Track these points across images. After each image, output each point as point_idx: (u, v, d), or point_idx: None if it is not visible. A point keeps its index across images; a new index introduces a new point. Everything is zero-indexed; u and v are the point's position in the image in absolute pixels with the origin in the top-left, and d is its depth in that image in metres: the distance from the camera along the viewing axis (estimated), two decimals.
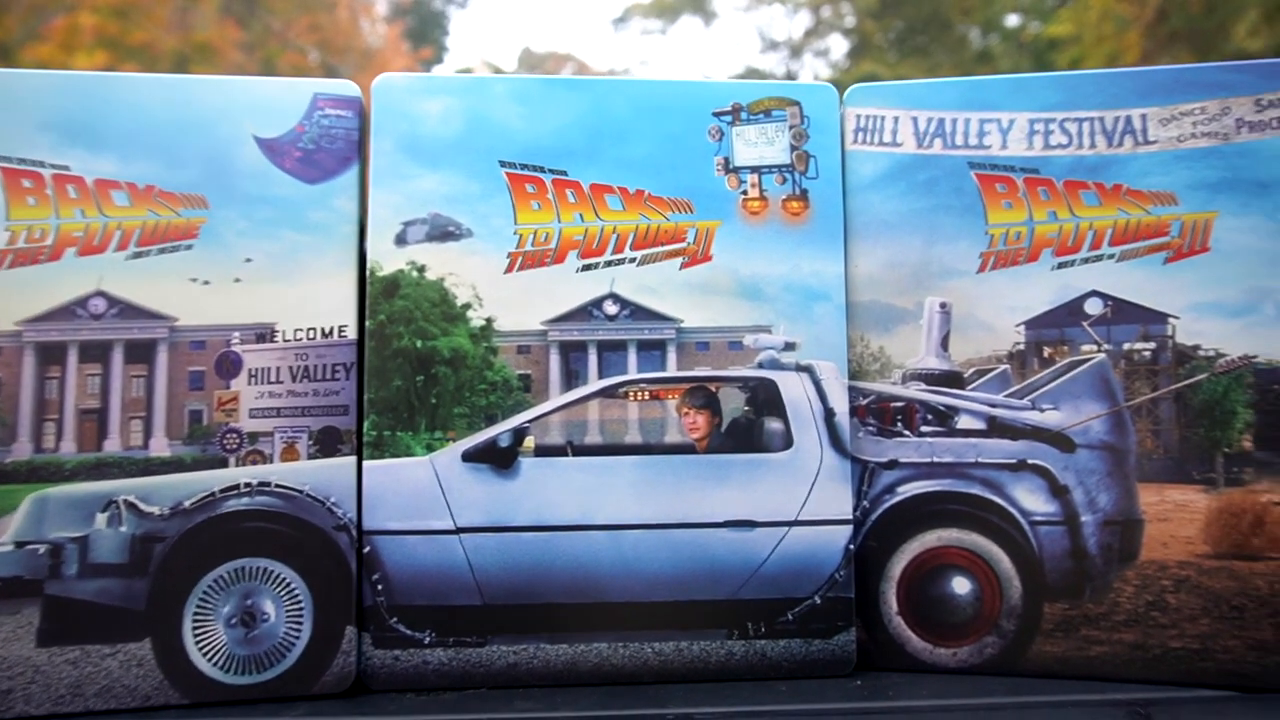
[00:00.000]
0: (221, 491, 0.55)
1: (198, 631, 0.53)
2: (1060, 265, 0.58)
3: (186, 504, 0.54)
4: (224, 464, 0.55)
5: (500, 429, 0.57)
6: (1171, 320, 0.57)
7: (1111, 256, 0.58)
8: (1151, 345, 0.58)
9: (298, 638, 0.54)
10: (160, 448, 0.55)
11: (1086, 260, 0.58)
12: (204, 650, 0.53)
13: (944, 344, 0.59)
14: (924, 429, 0.59)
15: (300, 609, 0.54)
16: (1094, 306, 0.58)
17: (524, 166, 0.58)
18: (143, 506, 0.54)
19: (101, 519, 0.53)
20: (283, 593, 0.54)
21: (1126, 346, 0.58)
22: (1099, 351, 0.58)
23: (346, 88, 0.59)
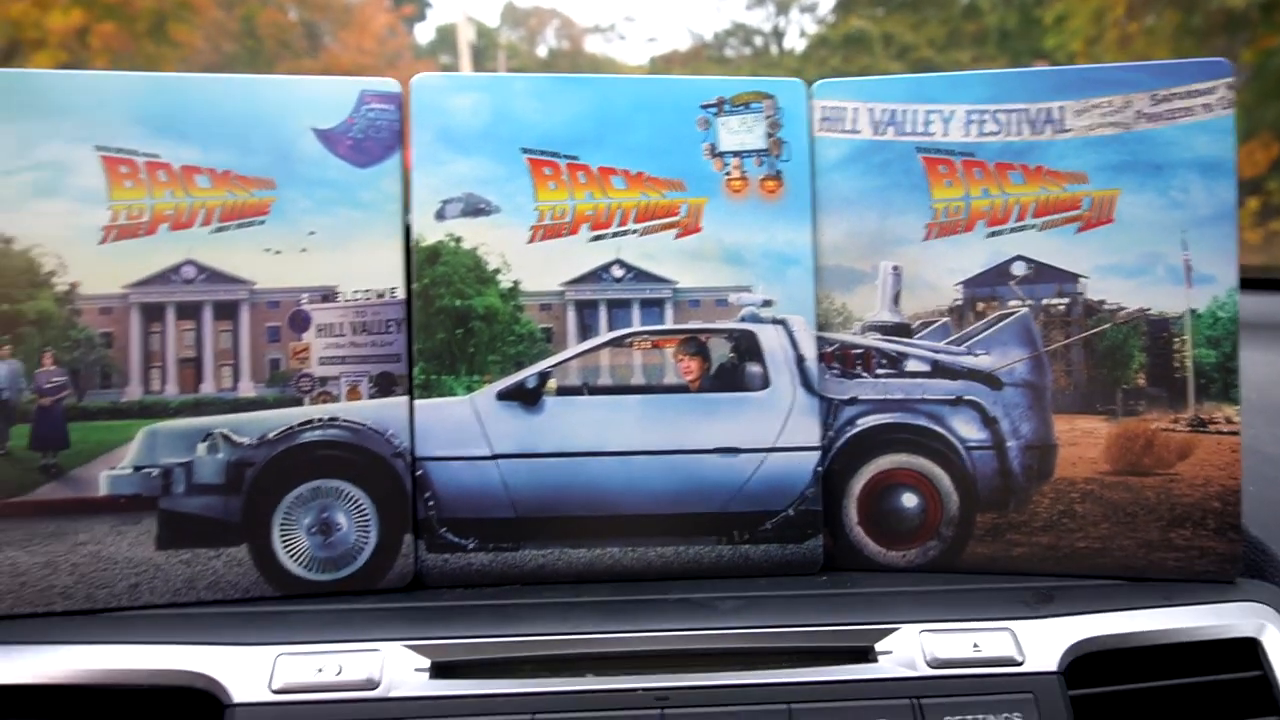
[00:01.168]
0: (299, 425, 0.66)
1: (284, 538, 0.65)
2: (992, 234, 0.69)
3: (270, 435, 0.65)
4: (299, 403, 0.66)
5: (528, 373, 0.68)
6: (1082, 279, 0.68)
7: (1034, 227, 0.68)
8: (1065, 300, 0.69)
9: (366, 543, 0.66)
10: (247, 390, 0.66)
11: (1013, 230, 0.69)
12: (290, 553, 0.65)
13: (896, 301, 0.70)
14: (879, 371, 0.70)
15: (367, 520, 0.66)
16: (1019, 269, 0.69)
17: (542, 153, 0.68)
18: (235, 438, 0.65)
19: (202, 448, 0.64)
20: (352, 507, 0.66)
21: (1045, 302, 0.69)
22: (1022, 306, 0.69)
23: (388, 84, 0.69)
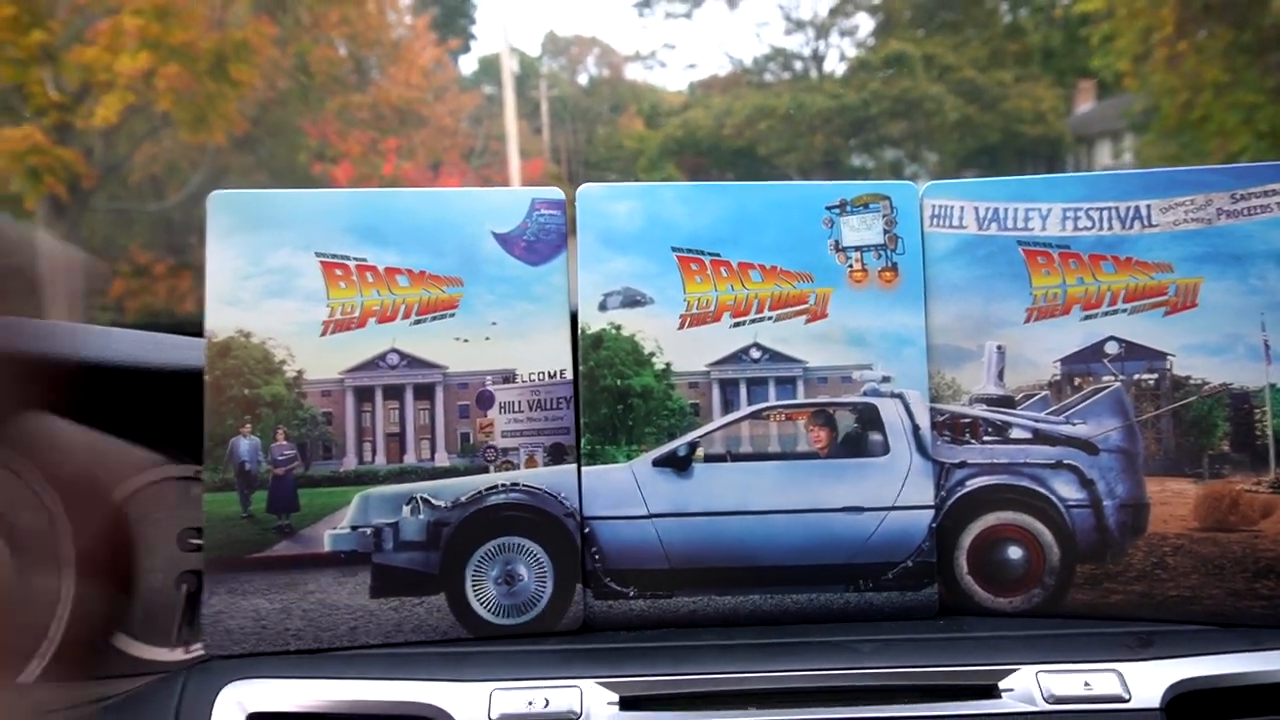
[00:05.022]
0: (485, 490, 0.76)
1: (475, 588, 0.76)
2: (1086, 317, 0.78)
3: (462, 499, 0.76)
4: (485, 470, 0.77)
5: (679, 443, 0.78)
6: (1170, 357, 0.76)
7: (1125, 311, 0.77)
8: (1155, 376, 0.77)
9: (544, 592, 0.76)
10: (442, 460, 0.77)
11: (1106, 314, 0.77)
12: (481, 601, 0.75)
13: (1000, 376, 0.79)
14: (986, 438, 0.79)
15: (544, 572, 0.76)
16: (1112, 348, 0.78)
17: (689, 251, 0.79)
18: (433, 501, 0.76)
19: (406, 510, 0.75)
20: (531, 561, 0.76)
21: (1136, 377, 0.77)
22: (1115, 381, 0.78)
23: (554, 194, 0.80)
